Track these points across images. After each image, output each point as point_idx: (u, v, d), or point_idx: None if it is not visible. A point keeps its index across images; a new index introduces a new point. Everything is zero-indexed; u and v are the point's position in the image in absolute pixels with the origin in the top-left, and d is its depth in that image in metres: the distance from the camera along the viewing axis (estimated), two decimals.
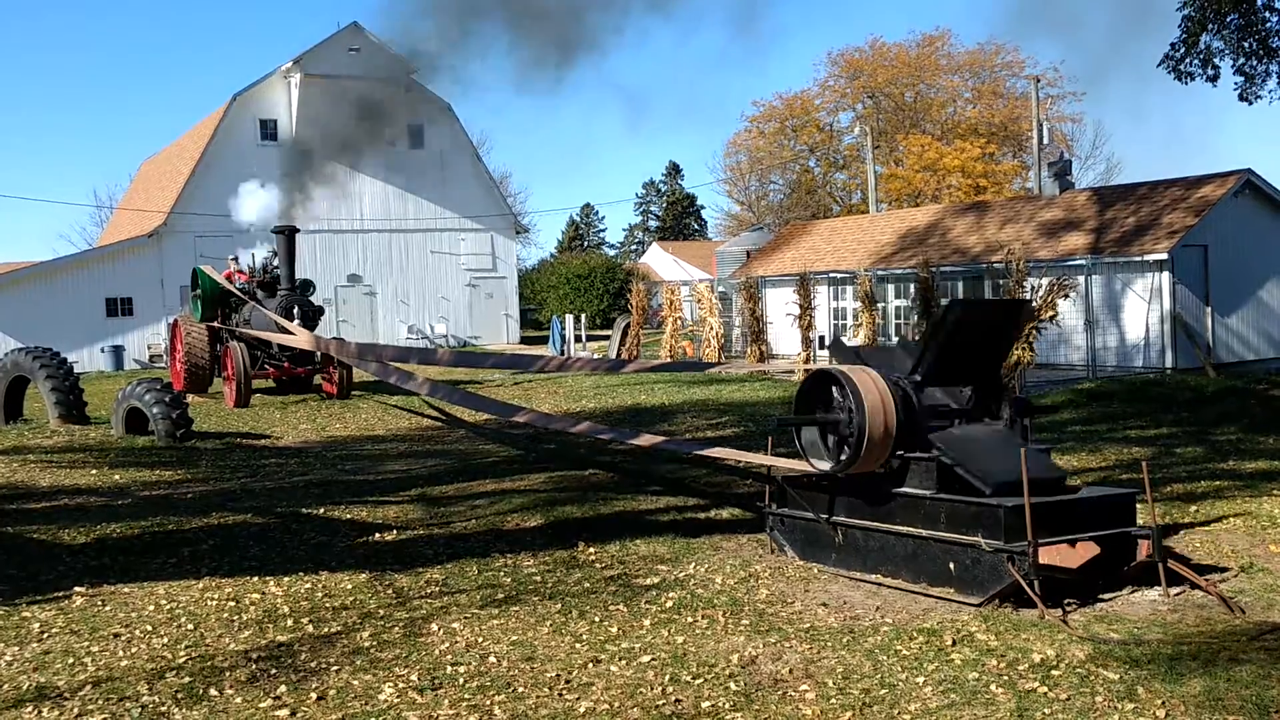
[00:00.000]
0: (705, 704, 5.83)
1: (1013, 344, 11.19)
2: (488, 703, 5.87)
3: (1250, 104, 20.95)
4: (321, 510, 11.08)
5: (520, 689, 6.08)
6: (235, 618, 7.41)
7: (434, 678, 6.24)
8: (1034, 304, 19.74)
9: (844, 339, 20.59)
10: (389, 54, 39.20)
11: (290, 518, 10.74)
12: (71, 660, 6.54)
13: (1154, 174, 27.61)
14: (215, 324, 24.06)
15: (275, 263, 24.01)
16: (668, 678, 6.21)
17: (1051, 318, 20.39)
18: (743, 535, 9.97)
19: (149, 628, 7.18)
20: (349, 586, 8.21)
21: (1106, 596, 7.77)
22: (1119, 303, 24.93)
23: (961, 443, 8.22)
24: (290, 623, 7.30)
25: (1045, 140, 40.14)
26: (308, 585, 8.24)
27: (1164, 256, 23.85)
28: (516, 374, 26.25)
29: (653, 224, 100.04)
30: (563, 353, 34.06)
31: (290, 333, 21.59)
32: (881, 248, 31.55)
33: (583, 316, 40.38)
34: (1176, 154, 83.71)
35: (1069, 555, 7.56)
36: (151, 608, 7.65)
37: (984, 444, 8.28)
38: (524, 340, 46.83)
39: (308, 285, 25.13)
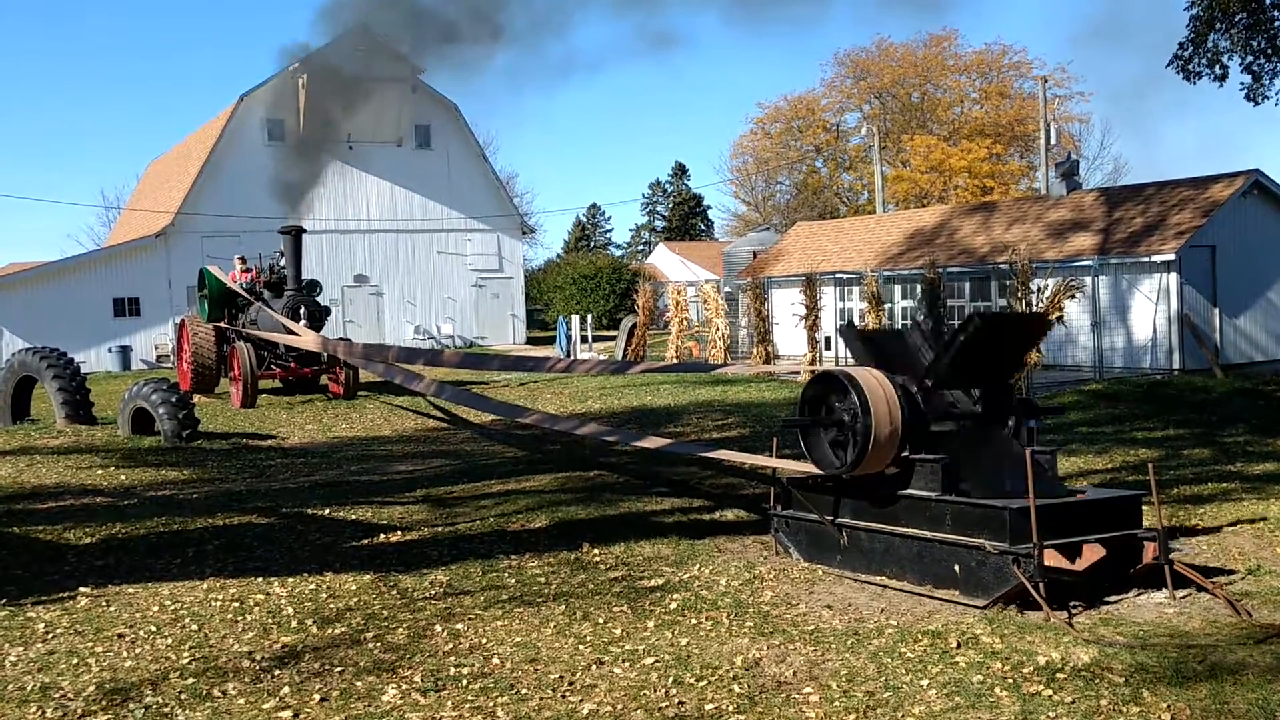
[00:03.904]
0: (709, 706, 5.81)
1: (1027, 354, 11.19)
2: (491, 704, 5.87)
3: (1257, 104, 20.94)
4: (327, 511, 11.09)
5: (524, 690, 6.08)
6: (240, 619, 7.42)
7: (437, 679, 6.24)
8: (1048, 313, 19.64)
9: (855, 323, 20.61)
10: (396, 54, 39.43)
11: (295, 518, 10.75)
12: (76, 661, 6.55)
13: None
14: (222, 324, 24.09)
15: (282, 263, 24.04)
16: (671, 680, 6.20)
17: (1059, 318, 20.33)
18: (747, 537, 9.96)
19: (153, 628, 7.19)
20: (353, 587, 8.22)
21: (1112, 599, 7.75)
22: (1126, 303, 24.87)
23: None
24: (294, 624, 7.30)
25: (1052, 141, 40.13)
26: (312, 586, 8.24)
27: (1171, 257, 23.78)
28: (523, 375, 26.24)
29: (659, 224, 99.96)
30: (568, 354, 34.02)
31: (296, 333, 21.61)
32: (888, 248, 31.49)
33: (589, 317, 40.36)
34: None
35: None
36: (156, 608, 7.66)
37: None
38: (530, 341, 46.86)
39: (314, 285, 25.14)
